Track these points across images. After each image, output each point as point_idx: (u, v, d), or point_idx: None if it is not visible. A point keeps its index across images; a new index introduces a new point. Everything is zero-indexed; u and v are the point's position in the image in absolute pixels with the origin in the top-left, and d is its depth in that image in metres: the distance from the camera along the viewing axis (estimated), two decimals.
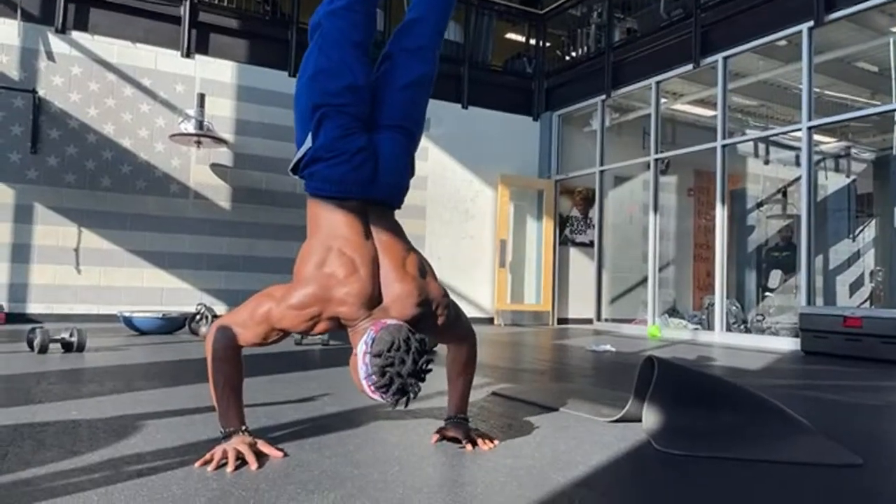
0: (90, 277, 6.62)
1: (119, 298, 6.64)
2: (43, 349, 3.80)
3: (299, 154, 1.81)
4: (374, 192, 1.79)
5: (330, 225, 1.75)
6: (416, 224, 8.13)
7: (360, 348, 1.57)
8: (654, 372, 2.15)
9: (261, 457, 1.62)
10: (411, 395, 1.54)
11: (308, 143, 1.79)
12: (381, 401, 1.56)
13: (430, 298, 1.77)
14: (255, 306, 1.69)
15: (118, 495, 1.34)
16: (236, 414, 1.68)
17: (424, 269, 1.81)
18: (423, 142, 8.71)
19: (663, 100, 7.98)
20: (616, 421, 2.22)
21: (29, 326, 4.27)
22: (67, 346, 3.92)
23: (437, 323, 1.78)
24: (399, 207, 1.91)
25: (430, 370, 1.58)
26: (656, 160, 7.71)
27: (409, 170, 1.92)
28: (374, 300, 1.68)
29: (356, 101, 1.80)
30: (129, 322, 5.39)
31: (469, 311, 8.22)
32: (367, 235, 1.76)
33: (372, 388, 1.54)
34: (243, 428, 1.67)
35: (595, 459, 1.76)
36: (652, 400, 2.10)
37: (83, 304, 6.54)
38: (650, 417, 2.07)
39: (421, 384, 1.56)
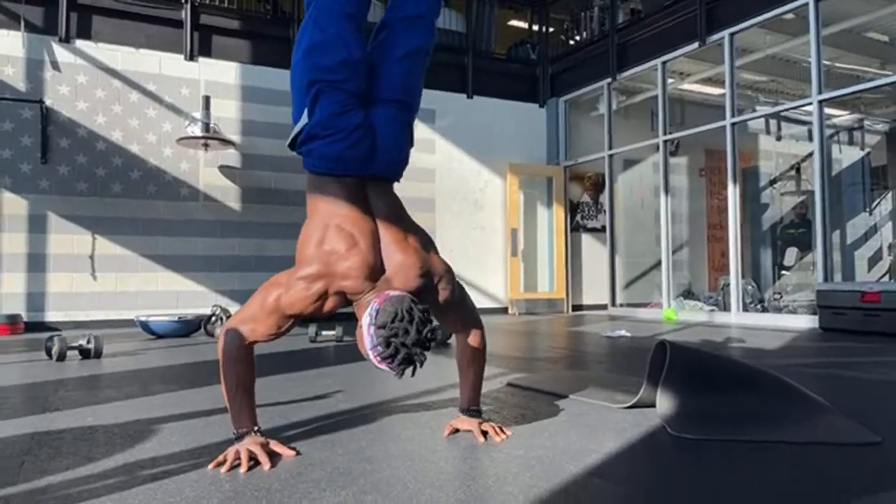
0: (105, 283, 6.68)
1: (135, 303, 6.71)
2: (61, 357, 3.84)
3: (296, 130, 1.81)
4: (373, 168, 1.79)
5: (328, 202, 1.75)
6: (426, 217, 8.11)
7: (365, 320, 1.58)
8: (666, 356, 2.13)
9: (273, 456, 1.63)
10: (417, 364, 1.55)
11: (304, 119, 1.78)
12: (389, 370, 1.56)
13: (433, 270, 1.78)
14: (263, 297, 1.69)
15: (132, 500, 1.35)
16: (249, 415, 1.69)
17: (426, 243, 1.82)
18: (430, 134, 8.64)
19: (670, 80, 7.89)
20: (630, 407, 2.21)
21: (47, 335, 4.32)
22: (85, 353, 3.96)
23: (441, 298, 1.78)
24: (398, 181, 1.90)
25: (435, 339, 1.58)
26: (665, 142, 7.64)
27: (409, 144, 1.90)
28: (376, 272, 1.69)
29: (352, 76, 1.78)
30: (145, 326, 5.43)
31: (482, 302, 8.29)
32: (367, 210, 1.76)
33: (378, 358, 1.55)
34: (256, 428, 1.68)
35: (609, 447, 1.75)
36: (665, 384, 2.09)
37: (100, 311, 6.61)
38: (664, 402, 2.06)
39: (427, 353, 1.56)
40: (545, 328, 6.39)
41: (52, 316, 6.45)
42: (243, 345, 1.68)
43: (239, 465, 1.57)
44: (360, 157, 1.76)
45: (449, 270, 1.83)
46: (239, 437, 1.65)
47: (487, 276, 8.50)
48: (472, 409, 1.92)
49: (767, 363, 3.32)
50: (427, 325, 1.55)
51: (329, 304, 1.70)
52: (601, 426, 1.99)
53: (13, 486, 1.46)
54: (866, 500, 1.36)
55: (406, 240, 1.76)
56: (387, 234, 1.74)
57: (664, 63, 7.56)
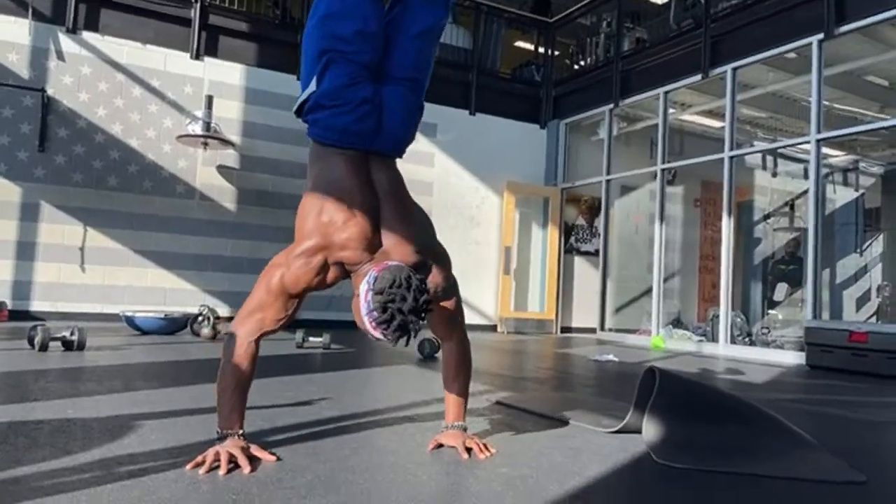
0: (94, 276, 6.62)
1: (122, 298, 6.65)
2: (43, 347, 3.80)
3: (302, 97, 1.80)
4: (378, 144, 1.78)
5: (329, 172, 1.75)
6: None
7: (363, 287, 1.57)
8: (654, 383, 2.12)
9: (253, 461, 1.60)
10: (412, 333, 1.54)
11: (312, 86, 1.77)
12: (383, 339, 1.55)
13: (431, 247, 1.78)
14: (267, 282, 1.68)
15: (106, 497, 1.32)
16: (238, 417, 1.67)
17: (426, 222, 1.84)
18: (430, 147, 8.65)
19: (671, 110, 7.96)
20: (616, 432, 2.19)
21: (31, 324, 4.27)
22: (68, 345, 3.92)
23: (434, 281, 1.75)
24: (401, 157, 1.89)
25: (431, 310, 1.58)
26: (663, 170, 7.68)
27: (416, 123, 1.89)
28: (374, 244, 1.69)
29: (365, 49, 1.76)
30: (130, 321, 5.38)
31: (473, 318, 8.27)
32: (368, 183, 1.75)
33: (373, 324, 1.54)
34: (240, 432, 1.66)
35: (593, 470, 1.73)
36: (652, 411, 2.08)
37: (87, 303, 6.55)
38: (650, 429, 2.04)
39: (422, 322, 1.55)
40: (533, 348, 6.38)
41: (37, 305, 6.38)
42: (251, 342, 1.67)
43: (218, 466, 1.54)
44: (365, 131, 1.75)
45: (446, 256, 1.83)
46: (221, 438, 1.63)
47: (479, 293, 8.49)
48: (457, 424, 1.91)
49: (755, 397, 3.31)
50: (424, 294, 1.54)
51: (330, 275, 1.69)
52: (586, 449, 1.98)
53: None
54: None
55: (406, 216, 1.77)
56: (387, 209, 1.74)
57: (666, 93, 7.62)
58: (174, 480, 1.46)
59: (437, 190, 8.34)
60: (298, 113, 1.83)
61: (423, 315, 1.55)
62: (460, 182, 8.52)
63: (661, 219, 7.64)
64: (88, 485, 1.39)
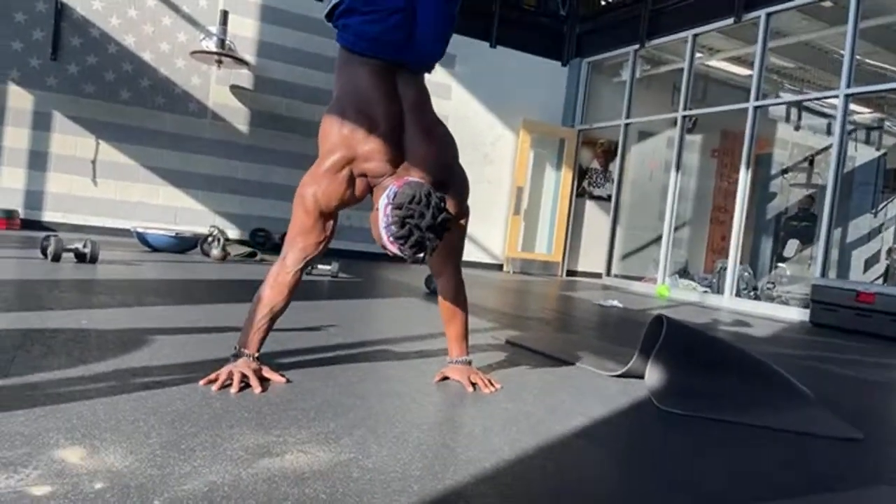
0: (106, 190, 6.63)
1: (133, 214, 6.68)
2: (56, 257, 3.84)
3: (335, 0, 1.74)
4: (408, 56, 1.74)
5: (356, 82, 1.72)
6: None
7: (382, 201, 1.58)
8: (661, 330, 2.13)
9: (264, 382, 1.64)
10: (427, 250, 1.56)
11: None
12: (399, 253, 1.57)
13: (451, 166, 1.78)
14: (302, 204, 1.68)
15: (123, 405, 1.36)
16: (259, 340, 1.70)
17: (450, 140, 1.81)
18: (447, 79, 8.46)
19: (698, 54, 7.72)
20: (619, 376, 2.22)
21: (43, 234, 4.31)
22: (80, 257, 3.96)
23: (452, 198, 1.74)
24: (430, 72, 1.86)
25: (449, 228, 1.60)
26: (684, 117, 7.52)
27: (449, 36, 1.84)
28: (396, 158, 1.68)
29: None
30: (142, 238, 5.42)
31: (479, 257, 8.30)
32: (394, 96, 1.73)
33: (391, 238, 1.55)
34: (256, 354, 1.69)
35: (595, 412, 1.77)
36: (657, 358, 2.09)
37: (98, 217, 6.59)
38: (653, 375, 2.07)
39: (438, 240, 1.56)
40: (539, 289, 6.42)
41: (49, 216, 6.43)
42: (296, 270, 1.69)
43: (230, 385, 1.57)
44: (396, 41, 1.70)
45: (465, 180, 1.83)
46: (236, 356, 1.66)
47: (488, 232, 8.48)
48: (462, 359, 1.94)
49: (757, 350, 3.34)
50: (442, 212, 1.55)
51: (359, 188, 1.70)
52: (589, 391, 2.01)
53: (4, 378, 1.46)
54: (842, 494, 1.38)
55: (431, 131, 1.75)
56: (412, 123, 1.72)
57: (695, 36, 7.38)
58: (187, 394, 1.49)
59: (453, 124, 8.12)
60: (329, 17, 1.77)
61: (440, 233, 1.55)
62: (476, 117, 8.38)
63: (678, 167, 7.54)
64: (104, 394, 1.43)
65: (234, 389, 1.55)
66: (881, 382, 3.02)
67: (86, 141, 6.50)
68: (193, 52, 6.69)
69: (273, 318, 1.71)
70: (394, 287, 4.83)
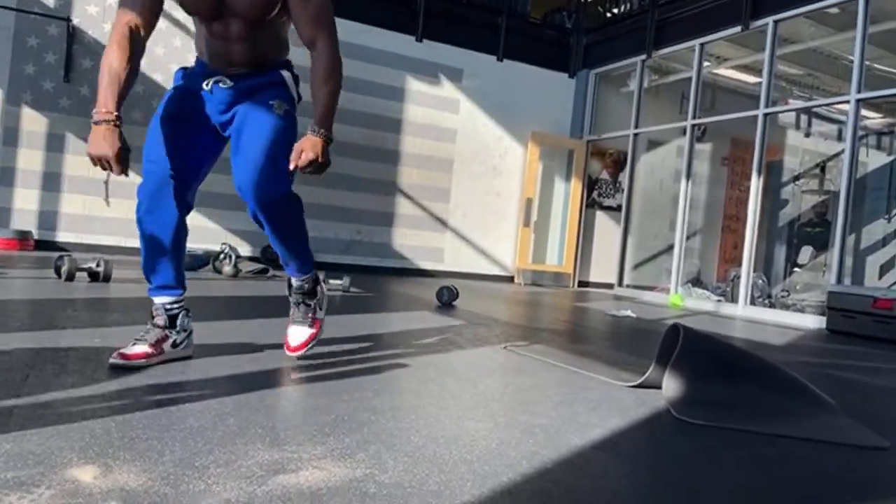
0: (119, 210, 6.66)
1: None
2: (70, 277, 3.86)
3: None
4: None
5: None
6: (443, 177, 8.05)
7: None
8: (678, 340, 2.10)
9: (124, 163, 1.80)
10: None
11: None
12: None
13: None
14: None
15: (136, 423, 1.35)
16: (110, 96, 1.74)
17: None
18: (455, 93, 8.47)
19: (706, 63, 7.71)
20: (635, 386, 2.19)
21: (57, 254, 4.33)
22: (94, 276, 3.97)
23: None
24: None
25: None
26: (693, 126, 7.49)
27: None
28: None
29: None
30: None
31: (490, 269, 8.28)
32: None
33: None
34: (114, 112, 1.74)
35: (613, 423, 1.74)
36: (674, 368, 2.06)
37: (111, 236, 6.63)
38: (671, 385, 2.04)
39: None
40: (550, 300, 6.38)
41: (62, 236, 6.47)
42: (117, 32, 1.75)
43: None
44: None
45: None
46: (97, 122, 1.72)
47: (498, 244, 8.46)
48: (319, 130, 1.85)
49: (774, 358, 3.29)
50: None
51: None
52: (605, 401, 1.98)
53: (17, 397, 1.45)
54: None
55: None
56: None
57: (703, 44, 7.37)
58: (200, 412, 1.48)
59: (461, 138, 8.22)
60: None
61: None
62: (485, 130, 8.39)
63: (688, 176, 7.50)
64: (117, 412, 1.42)
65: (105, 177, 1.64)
66: None
67: None
68: None
69: (117, 78, 1.72)
70: (405, 301, 4.81)
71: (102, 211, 6.61)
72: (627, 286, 8.37)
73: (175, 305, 1.99)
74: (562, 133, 8.95)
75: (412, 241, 7.95)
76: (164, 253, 1.96)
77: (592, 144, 8.90)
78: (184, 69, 2.03)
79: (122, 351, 1.84)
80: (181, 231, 2.00)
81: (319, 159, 1.82)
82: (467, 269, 8.14)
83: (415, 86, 7.90)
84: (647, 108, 8.37)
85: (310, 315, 2.12)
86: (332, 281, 4.89)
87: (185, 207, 2.00)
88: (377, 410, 1.63)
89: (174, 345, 1.96)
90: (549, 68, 8.85)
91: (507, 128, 8.50)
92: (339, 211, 7.52)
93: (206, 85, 1.93)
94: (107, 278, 3.97)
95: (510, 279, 8.54)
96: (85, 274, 3.98)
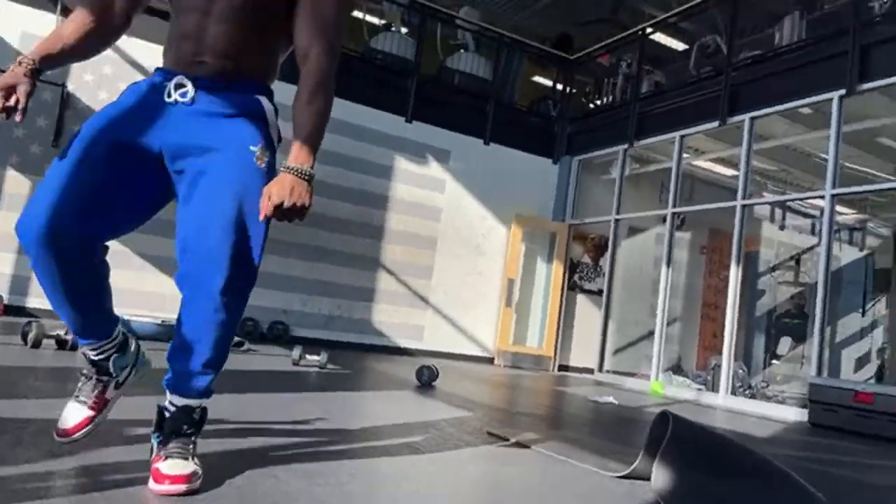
0: None
1: (121, 301, 6.53)
2: (36, 344, 3.72)
3: None
4: None
5: None
6: (425, 254, 8.06)
7: None
8: (667, 428, 2.04)
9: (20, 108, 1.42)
10: None
11: None
12: None
13: None
14: None
15: None
16: (41, 51, 1.49)
17: None
18: (442, 174, 8.58)
19: (685, 154, 7.95)
20: (623, 477, 2.11)
21: (26, 320, 4.20)
22: (61, 344, 3.84)
23: None
24: None
25: None
26: (673, 214, 7.64)
27: None
28: None
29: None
30: (126, 326, 5.29)
31: (470, 349, 8.16)
32: None
33: None
34: (34, 58, 1.46)
35: None
36: (663, 458, 1.99)
37: None
38: (660, 476, 1.96)
39: None
40: (531, 384, 6.27)
41: (33, 302, 6.30)
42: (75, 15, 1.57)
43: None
44: None
45: None
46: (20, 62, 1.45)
47: (478, 324, 8.39)
48: (294, 167, 1.42)
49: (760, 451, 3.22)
50: None
51: None
52: (594, 495, 1.89)
53: None
54: None
55: None
56: None
57: (682, 137, 7.62)
58: (167, 496, 1.37)
59: (445, 217, 8.29)
60: None
61: None
62: (469, 210, 8.49)
63: (669, 263, 7.58)
64: (72, 491, 1.32)
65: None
66: (884, 486, 2.89)
67: None
68: None
69: (57, 35, 1.53)
70: (383, 379, 4.69)
71: None
72: (608, 371, 8.28)
73: (99, 355, 1.69)
74: (545, 216, 9.08)
75: (392, 317, 7.85)
76: (73, 304, 1.59)
77: (574, 228, 9.02)
78: (136, 83, 1.63)
79: (60, 426, 1.56)
80: (90, 277, 1.61)
81: (306, 204, 1.43)
82: (447, 348, 8.02)
83: (403, 165, 8.02)
84: (628, 195, 8.55)
85: (189, 447, 1.48)
86: (309, 357, 4.77)
87: (92, 257, 1.60)
88: (351, 496, 1.54)
89: (118, 385, 1.74)
90: (534, 153, 9.07)
91: (491, 209, 8.61)
92: (320, 284, 7.45)
93: (168, 96, 1.52)
94: (74, 346, 3.83)
95: (490, 360, 8.42)
96: (52, 341, 3.85)
